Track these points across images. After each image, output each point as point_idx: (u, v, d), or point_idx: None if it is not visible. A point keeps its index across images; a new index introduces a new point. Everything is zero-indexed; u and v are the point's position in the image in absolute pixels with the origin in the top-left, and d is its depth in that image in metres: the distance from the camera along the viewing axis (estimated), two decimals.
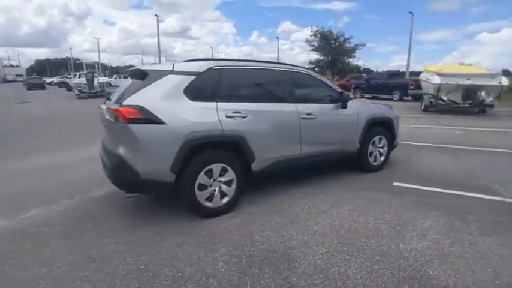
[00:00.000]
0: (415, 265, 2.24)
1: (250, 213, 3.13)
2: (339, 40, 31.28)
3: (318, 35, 31.65)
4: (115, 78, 32.06)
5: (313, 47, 32.54)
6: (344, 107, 3.95)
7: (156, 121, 2.73)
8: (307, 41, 32.55)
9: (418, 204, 3.27)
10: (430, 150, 5.71)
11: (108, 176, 3.01)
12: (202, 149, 2.93)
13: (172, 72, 2.95)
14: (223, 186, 3.10)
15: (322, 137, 3.81)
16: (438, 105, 11.40)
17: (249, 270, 2.23)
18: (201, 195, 2.96)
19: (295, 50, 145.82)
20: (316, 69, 33.77)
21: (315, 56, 32.89)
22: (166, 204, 3.34)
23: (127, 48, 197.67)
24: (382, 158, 4.51)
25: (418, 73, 16.98)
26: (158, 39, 34.02)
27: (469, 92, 10.44)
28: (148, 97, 2.78)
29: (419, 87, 13.81)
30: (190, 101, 2.92)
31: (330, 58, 31.78)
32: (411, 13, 27.50)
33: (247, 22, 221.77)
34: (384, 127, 4.47)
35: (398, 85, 17.49)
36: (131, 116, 2.67)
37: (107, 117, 2.91)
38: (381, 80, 19.04)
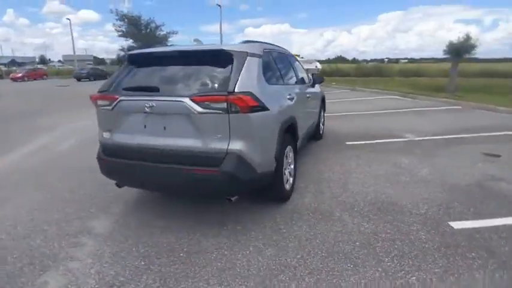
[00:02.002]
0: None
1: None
2: (151, 27, 30.17)
3: (126, 20, 29.08)
4: None
5: (121, 33, 29.71)
6: (313, 85, 4.70)
7: (265, 108, 2.46)
8: (114, 25, 29.21)
9: (369, 152, 4.66)
10: (336, 119, 7.33)
11: (209, 189, 2.45)
12: (286, 133, 2.89)
13: (249, 54, 2.61)
14: (290, 167, 3.16)
15: (309, 113, 4.41)
16: None
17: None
18: (284, 180, 2.93)
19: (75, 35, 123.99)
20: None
21: (121, 42, 30.17)
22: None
23: None
24: (323, 126, 5.68)
25: None
26: None
27: None
28: (247, 82, 2.40)
29: None
30: (268, 84, 2.77)
31: (141, 45, 30.08)
32: (219, 5, 30.77)
33: None
34: (322, 100, 5.59)
35: None
36: (251, 104, 2.29)
37: (201, 110, 2.26)
38: None
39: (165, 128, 2.42)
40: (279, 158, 2.72)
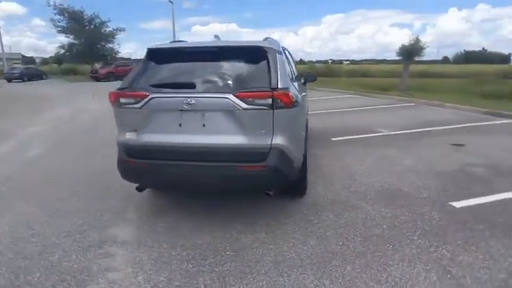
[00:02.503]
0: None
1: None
2: (95, 23, 27.90)
3: (66, 14, 26.48)
4: None
5: (61, 28, 26.99)
6: (305, 84, 4.91)
7: (300, 103, 2.58)
8: (52, 20, 26.39)
9: (357, 147, 5.06)
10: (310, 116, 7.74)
11: (259, 183, 2.45)
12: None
13: (277, 51, 2.68)
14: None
15: (306, 111, 4.62)
16: None
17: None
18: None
19: None
20: (67, 54, 28.60)
21: (62, 38, 27.44)
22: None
23: None
24: None
25: None
26: None
27: None
28: (284, 78, 2.48)
29: None
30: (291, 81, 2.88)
31: (84, 42, 27.68)
32: (171, 1, 29.73)
33: None
34: None
35: None
36: (293, 100, 2.39)
37: (245, 106, 2.28)
38: None
39: (204, 125, 2.36)
40: (305, 153, 2.85)
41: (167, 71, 2.60)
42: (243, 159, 2.34)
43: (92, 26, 27.94)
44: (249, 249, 2.37)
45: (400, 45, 12.36)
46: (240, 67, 2.56)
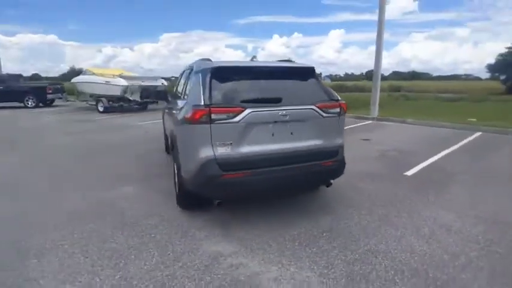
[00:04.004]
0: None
1: None
2: None
3: None
4: None
5: None
6: None
7: None
8: None
9: None
10: None
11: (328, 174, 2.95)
12: None
13: None
14: None
15: None
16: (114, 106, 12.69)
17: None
18: None
19: None
20: None
21: None
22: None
23: None
24: None
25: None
26: None
27: (147, 91, 12.43)
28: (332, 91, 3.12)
29: (57, 91, 15.56)
30: None
31: None
32: None
33: None
34: None
35: (32, 90, 15.40)
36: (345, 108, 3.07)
37: (325, 114, 2.84)
38: (4, 85, 15.11)
39: (292, 133, 2.73)
40: None
41: (239, 87, 2.76)
42: (323, 157, 2.86)
43: None
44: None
45: None
46: (300, 84, 3.02)
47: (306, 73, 3.06)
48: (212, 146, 2.51)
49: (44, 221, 2.87)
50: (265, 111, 2.61)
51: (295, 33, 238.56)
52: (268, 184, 2.69)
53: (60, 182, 4.01)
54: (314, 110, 2.77)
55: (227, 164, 2.53)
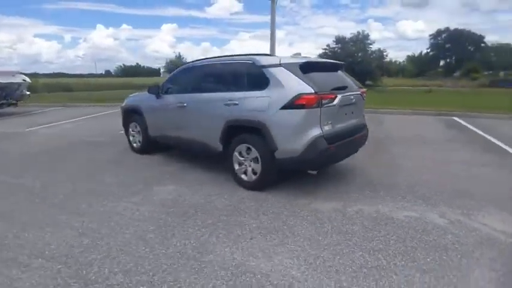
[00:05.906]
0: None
1: None
2: None
3: None
4: None
5: None
6: None
7: None
8: None
9: None
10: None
11: (360, 144, 3.85)
12: None
13: None
14: None
15: None
16: None
17: None
18: None
19: None
20: None
21: None
22: None
23: None
24: None
25: None
26: None
27: (7, 91, 9.69)
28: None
29: None
30: None
31: None
32: None
33: None
34: None
35: None
36: None
37: (354, 99, 3.56)
38: None
39: (352, 112, 3.56)
40: None
41: (319, 78, 3.30)
42: (361, 130, 3.78)
43: None
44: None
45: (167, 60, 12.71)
46: (343, 75, 3.81)
47: (342, 67, 3.87)
48: (320, 125, 3.09)
49: None
50: (345, 96, 3.34)
51: (124, 25, 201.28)
52: (343, 152, 3.49)
53: None
54: (360, 94, 3.69)
55: (329, 139, 3.14)
